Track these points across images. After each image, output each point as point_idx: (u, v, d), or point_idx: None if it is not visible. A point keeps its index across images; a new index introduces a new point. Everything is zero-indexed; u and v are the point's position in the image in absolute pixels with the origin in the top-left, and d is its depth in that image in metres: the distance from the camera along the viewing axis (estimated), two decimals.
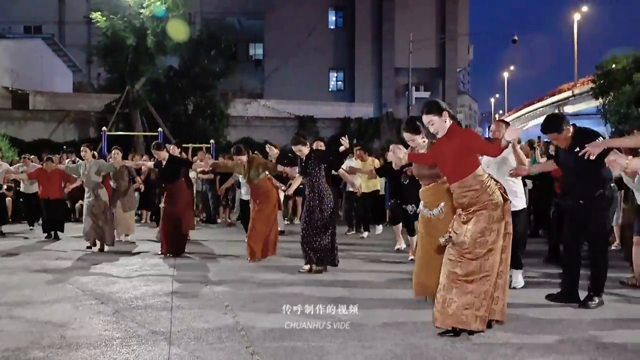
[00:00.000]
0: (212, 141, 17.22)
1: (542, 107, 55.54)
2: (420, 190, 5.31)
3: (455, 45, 36.07)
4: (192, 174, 13.24)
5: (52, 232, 10.40)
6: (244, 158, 8.08)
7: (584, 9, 46.84)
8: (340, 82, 36.64)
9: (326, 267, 6.95)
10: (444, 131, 4.29)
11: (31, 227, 12.08)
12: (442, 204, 5.14)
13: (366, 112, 29.37)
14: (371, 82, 35.16)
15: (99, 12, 19.93)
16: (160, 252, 8.47)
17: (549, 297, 5.33)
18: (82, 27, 35.45)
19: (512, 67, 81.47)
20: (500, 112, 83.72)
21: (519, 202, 5.92)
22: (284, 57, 32.27)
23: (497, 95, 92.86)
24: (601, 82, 16.34)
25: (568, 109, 41.24)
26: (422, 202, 5.30)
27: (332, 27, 36.46)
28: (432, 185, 5.18)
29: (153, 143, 9.05)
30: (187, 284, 6.26)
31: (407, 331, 4.33)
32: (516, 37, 29.59)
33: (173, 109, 23.15)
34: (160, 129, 18.35)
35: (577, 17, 44.44)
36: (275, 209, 8.39)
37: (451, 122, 4.31)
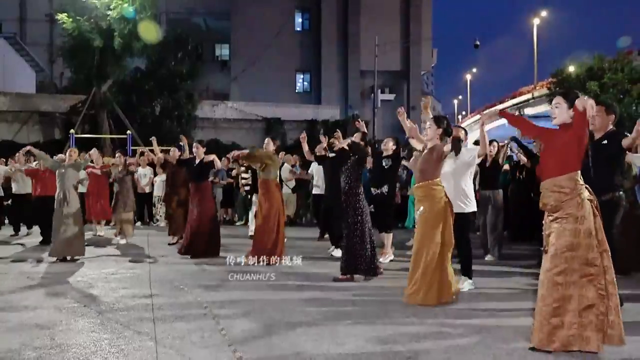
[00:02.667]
0: (180, 143, 17.28)
1: (504, 108, 56.67)
2: (414, 186, 5.74)
3: (420, 48, 36.75)
4: (162, 177, 13.44)
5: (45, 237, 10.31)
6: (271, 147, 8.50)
7: (543, 13, 48.26)
8: (306, 84, 36.94)
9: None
10: (561, 122, 4.21)
11: (15, 234, 11.99)
12: (422, 208, 5.59)
13: (333, 114, 29.77)
14: (337, 84, 35.57)
15: (65, 13, 19.80)
16: (183, 253, 8.79)
17: None
18: (44, 26, 34.95)
19: (474, 70, 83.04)
20: (463, 112, 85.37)
21: (471, 205, 6.34)
22: (251, 58, 32.41)
23: (460, 97, 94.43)
24: (556, 89, 17.12)
25: (528, 111, 42.48)
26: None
27: (298, 29, 36.72)
28: (425, 184, 5.58)
29: (196, 140, 9.37)
30: (164, 286, 6.49)
31: (377, 328, 4.67)
32: (478, 42, 30.40)
33: (140, 111, 23.12)
34: (128, 131, 18.37)
35: (536, 21, 45.76)
36: (279, 211, 8.33)
37: (571, 120, 4.16)
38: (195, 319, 4.99)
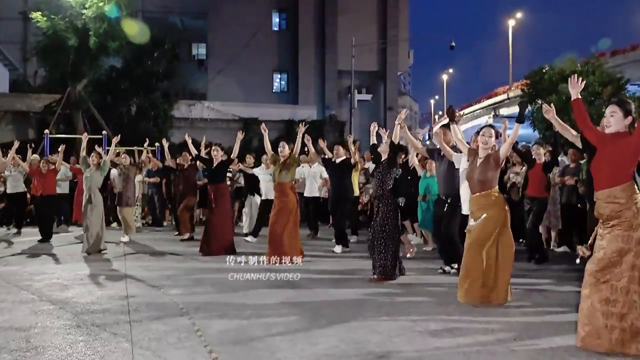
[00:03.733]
0: (157, 144, 17.22)
1: (479, 109, 57.65)
2: (470, 198, 5.73)
3: (396, 49, 37.01)
4: (138, 178, 13.41)
5: (44, 235, 10.75)
6: (286, 150, 8.59)
7: (519, 15, 48.99)
8: (284, 84, 36.94)
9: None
10: (616, 130, 4.22)
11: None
12: (484, 215, 5.54)
13: (310, 114, 29.84)
14: (314, 84, 35.64)
15: (39, 12, 19.57)
16: (207, 254, 8.98)
17: None
18: (18, 24, 34.36)
19: (451, 70, 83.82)
20: (440, 112, 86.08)
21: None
22: (228, 58, 32.30)
23: (437, 97, 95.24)
24: (530, 90, 17.43)
25: (503, 111, 43.08)
26: (468, 210, 5.74)
27: (275, 29, 36.69)
28: (483, 194, 5.58)
29: (215, 144, 9.80)
30: (140, 287, 6.52)
31: (351, 328, 4.77)
32: (454, 43, 30.73)
33: (116, 111, 22.94)
34: (104, 132, 18.23)
35: (511, 23, 46.43)
36: (294, 212, 8.49)
37: (626, 129, 4.22)
38: (172, 320, 5.04)
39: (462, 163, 6.72)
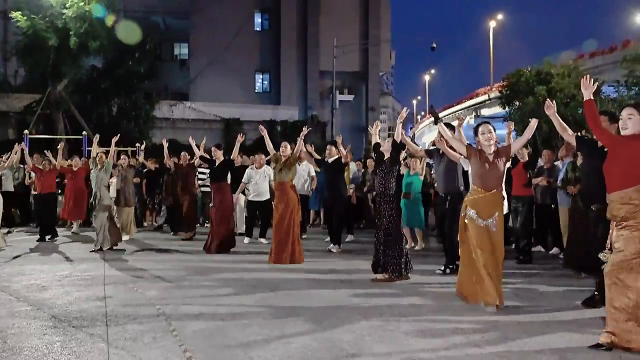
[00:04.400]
0: (137, 144, 17.20)
1: (461, 109, 58.21)
2: (477, 197, 5.60)
3: (378, 50, 37.22)
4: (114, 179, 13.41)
5: (45, 235, 11.07)
6: (288, 150, 8.77)
7: (499, 16, 49.53)
8: (266, 84, 36.97)
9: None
10: (633, 132, 4.27)
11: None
12: (497, 213, 5.53)
13: (291, 114, 29.96)
14: (297, 84, 35.71)
15: (19, 12, 19.44)
16: (214, 252, 9.35)
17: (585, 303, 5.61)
18: None
19: (433, 71, 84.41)
20: (422, 113, 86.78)
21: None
22: (210, 58, 32.27)
23: (419, 97, 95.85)
24: (507, 92, 17.69)
25: (485, 112, 43.52)
26: (473, 211, 5.58)
27: (258, 29, 36.72)
28: (496, 191, 5.56)
29: (215, 144, 10.31)
30: (118, 288, 6.57)
31: (324, 328, 4.88)
32: (434, 45, 31.02)
33: (96, 111, 22.83)
34: (84, 132, 18.16)
35: (492, 24, 46.92)
36: (294, 211, 8.62)
37: None
38: (148, 320, 5.11)
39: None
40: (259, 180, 10.89)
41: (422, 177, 10.29)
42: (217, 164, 9.90)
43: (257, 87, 36.59)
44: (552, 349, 4.25)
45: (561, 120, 5.44)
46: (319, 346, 4.36)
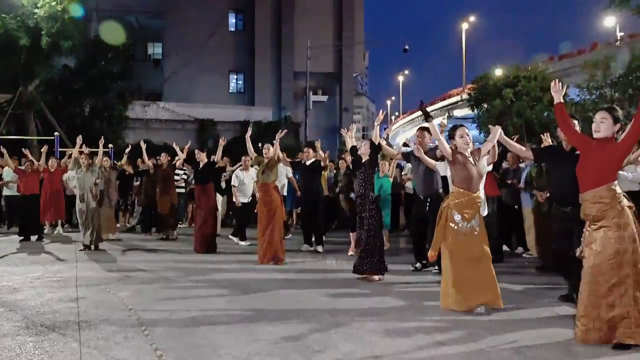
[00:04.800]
0: (110, 145, 17.16)
1: (434, 110, 58.83)
2: (463, 200, 5.59)
3: (352, 51, 37.54)
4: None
5: (28, 234, 11.40)
6: (271, 152, 8.89)
7: (472, 19, 50.23)
8: (240, 85, 37.00)
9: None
10: (604, 134, 4.40)
11: None
12: (477, 215, 5.60)
13: (265, 115, 30.06)
14: (271, 85, 35.82)
15: None
16: (201, 252, 9.59)
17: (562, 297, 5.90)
18: None
19: (406, 72, 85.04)
20: (396, 113, 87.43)
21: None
22: (184, 58, 32.20)
23: (393, 98, 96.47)
24: (476, 95, 18.10)
25: (457, 113, 44.17)
26: (459, 216, 5.58)
27: (232, 29, 36.74)
28: (477, 194, 5.63)
29: (198, 147, 10.49)
30: (90, 289, 6.65)
31: (292, 325, 5.05)
32: (407, 47, 31.35)
33: (68, 111, 22.64)
34: (56, 133, 18.03)
35: (465, 26, 47.57)
36: (278, 212, 8.79)
37: (614, 135, 4.43)
38: (120, 320, 5.22)
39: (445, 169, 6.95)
40: (246, 182, 11.04)
41: (391, 179, 10.53)
42: (201, 166, 10.12)
43: (231, 88, 36.61)
44: (515, 348, 4.45)
45: (510, 141, 5.73)
46: (286, 343, 4.54)
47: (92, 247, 9.90)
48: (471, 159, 5.75)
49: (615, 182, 4.34)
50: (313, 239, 10.12)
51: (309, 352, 4.32)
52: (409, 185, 11.41)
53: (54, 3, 19.27)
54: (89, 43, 23.35)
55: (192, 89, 31.67)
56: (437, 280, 7.17)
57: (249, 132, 9.51)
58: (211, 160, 10.26)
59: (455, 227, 5.58)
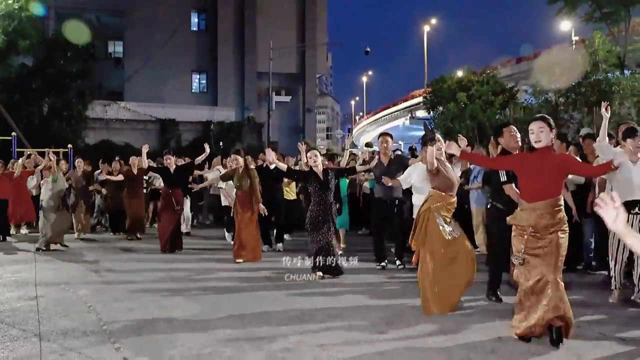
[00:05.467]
0: (69, 146, 17.09)
1: (397, 110, 59.75)
2: (444, 203, 5.67)
3: (315, 52, 37.86)
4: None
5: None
6: (241, 161, 9.08)
7: (433, 21, 51.18)
8: (203, 84, 36.90)
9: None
10: (545, 143, 4.47)
11: None
12: (452, 220, 5.70)
13: (228, 115, 30.09)
14: (234, 85, 35.82)
15: None
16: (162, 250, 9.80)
17: None
18: None
19: (370, 73, 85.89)
20: (361, 113, 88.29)
21: None
22: (146, 57, 31.93)
23: (357, 98, 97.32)
24: (432, 98, 18.68)
25: (419, 114, 45.00)
26: (441, 218, 5.65)
27: (194, 28, 36.62)
28: (455, 199, 5.74)
29: (166, 151, 10.69)
30: (50, 288, 6.79)
31: (246, 320, 5.32)
32: (368, 49, 31.82)
33: (26, 111, 22.33)
34: (13, 133, 17.83)
35: (426, 28, 48.45)
36: (256, 215, 9.05)
37: (551, 143, 4.52)
38: (79, 317, 5.41)
39: (417, 174, 7.14)
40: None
41: (348, 180, 10.85)
42: (173, 172, 10.15)
43: (193, 88, 36.47)
44: (454, 340, 4.84)
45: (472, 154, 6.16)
46: (239, 336, 4.81)
47: (45, 248, 10.02)
48: (448, 165, 5.97)
49: (561, 194, 4.48)
50: (273, 239, 10.38)
51: (260, 343, 4.60)
52: (366, 185, 11.72)
53: (10, 1, 19.04)
54: (47, 41, 23.04)
55: (153, 89, 31.44)
56: (391, 277, 7.57)
57: (238, 159, 9.32)
58: (182, 165, 10.52)
59: (440, 229, 5.61)
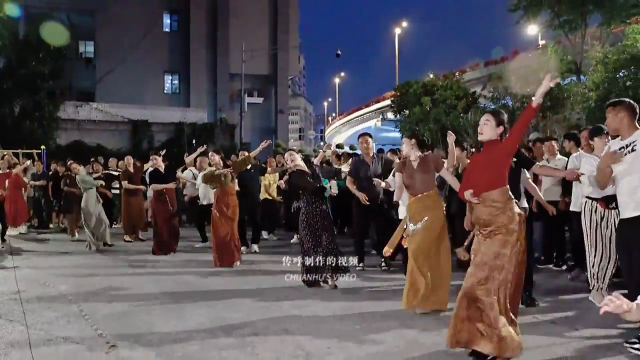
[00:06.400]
0: (42, 147, 17.26)
1: (369, 112, 60.53)
2: (410, 202, 5.74)
3: (287, 54, 38.36)
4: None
5: None
6: (217, 158, 9.00)
7: (404, 24, 52.04)
8: (175, 85, 37.06)
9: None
10: (488, 138, 4.36)
11: None
12: (426, 218, 5.58)
13: (201, 117, 30.37)
14: (206, 87, 36.08)
15: None
16: (154, 252, 9.69)
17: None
18: None
19: (342, 74, 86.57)
20: (333, 114, 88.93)
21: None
22: (118, 58, 31.99)
23: (330, 99, 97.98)
24: (398, 101, 19.35)
25: (391, 115, 45.68)
26: (407, 216, 5.70)
27: (167, 29, 36.78)
28: (424, 195, 5.65)
29: (152, 152, 10.54)
30: (31, 284, 7.14)
31: (218, 309, 5.77)
32: (339, 52, 32.46)
33: None
34: None
35: (397, 31, 49.28)
36: (235, 215, 8.84)
37: (499, 138, 4.36)
38: (62, 308, 5.81)
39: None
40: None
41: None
42: (163, 172, 10.14)
43: (166, 89, 36.63)
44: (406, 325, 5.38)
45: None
46: (212, 323, 5.27)
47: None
48: (415, 163, 5.85)
49: (507, 186, 4.30)
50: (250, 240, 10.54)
51: (230, 329, 5.07)
52: (333, 183, 12.06)
53: None
54: (19, 42, 23.06)
55: (125, 90, 31.53)
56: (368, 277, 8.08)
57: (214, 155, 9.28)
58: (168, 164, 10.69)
59: (412, 229, 5.69)
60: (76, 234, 12.19)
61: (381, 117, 52.63)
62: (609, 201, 5.68)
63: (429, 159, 5.84)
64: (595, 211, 5.87)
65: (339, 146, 16.98)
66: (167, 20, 36.81)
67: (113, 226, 13.47)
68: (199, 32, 35.98)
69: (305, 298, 6.36)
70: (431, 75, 20.85)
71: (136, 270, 8.14)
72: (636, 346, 4.41)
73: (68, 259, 9.40)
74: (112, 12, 33.45)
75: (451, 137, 5.94)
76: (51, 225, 14.57)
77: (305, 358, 4.30)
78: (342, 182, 10.17)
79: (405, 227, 5.81)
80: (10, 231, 12.37)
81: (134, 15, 33.54)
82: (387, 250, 6.18)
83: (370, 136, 8.53)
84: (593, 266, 5.87)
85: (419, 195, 5.71)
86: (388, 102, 46.84)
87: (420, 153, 5.92)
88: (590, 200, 5.91)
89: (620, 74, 13.74)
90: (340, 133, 71.09)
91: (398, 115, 18.95)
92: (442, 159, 6.23)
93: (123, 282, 7.23)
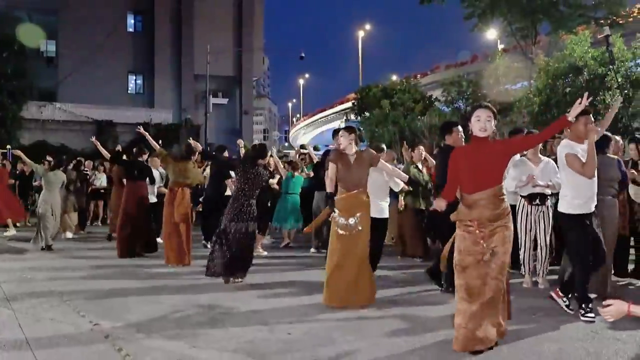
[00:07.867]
0: (8, 147, 17.40)
1: (333, 113, 61.36)
2: (338, 198, 5.81)
3: (251, 56, 38.78)
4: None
5: None
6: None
7: (367, 27, 53.08)
8: (140, 85, 37.01)
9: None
10: (485, 134, 4.26)
11: None
12: (359, 214, 5.72)
13: (166, 117, 30.56)
14: (171, 87, 36.20)
15: None
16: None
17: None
18: None
19: (307, 75, 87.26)
20: (298, 115, 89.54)
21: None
22: (81, 57, 31.79)
23: (295, 100, 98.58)
24: (359, 104, 20.14)
25: (354, 117, 46.51)
26: (337, 211, 5.79)
27: (131, 30, 36.74)
28: (354, 193, 5.76)
29: (137, 147, 10.44)
30: (11, 276, 7.48)
31: (188, 293, 6.34)
32: (303, 54, 33.07)
33: None
34: None
35: (361, 34, 50.28)
36: (190, 214, 8.83)
37: (493, 135, 4.41)
38: (44, 295, 6.27)
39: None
40: (157, 180, 11.18)
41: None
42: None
43: (130, 89, 36.56)
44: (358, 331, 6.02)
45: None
46: (184, 305, 5.83)
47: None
48: (352, 158, 5.89)
49: (502, 184, 4.29)
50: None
51: (202, 309, 5.65)
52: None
53: None
54: None
55: (89, 90, 31.38)
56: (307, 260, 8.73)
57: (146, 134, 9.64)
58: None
59: (337, 226, 5.80)
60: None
61: (345, 118, 53.53)
62: (533, 198, 6.66)
63: (364, 155, 5.94)
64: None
65: (302, 147, 17.51)
66: (131, 21, 36.75)
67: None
68: (163, 32, 36.05)
69: (274, 283, 6.98)
70: (394, 78, 21.72)
71: (111, 262, 8.63)
72: (590, 315, 5.03)
73: (40, 254, 9.74)
74: (75, 11, 33.20)
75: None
76: (18, 224, 14.75)
77: (269, 331, 4.92)
78: (306, 180, 10.80)
79: (335, 219, 5.82)
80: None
81: (98, 15, 33.36)
82: (308, 229, 6.78)
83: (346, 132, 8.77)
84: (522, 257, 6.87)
85: (351, 192, 5.79)
86: (349, 104, 47.87)
87: (357, 148, 5.98)
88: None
89: (560, 81, 14.76)
90: (305, 134, 71.79)
91: (359, 117, 19.71)
92: (393, 158, 6.83)
93: (98, 273, 7.74)
